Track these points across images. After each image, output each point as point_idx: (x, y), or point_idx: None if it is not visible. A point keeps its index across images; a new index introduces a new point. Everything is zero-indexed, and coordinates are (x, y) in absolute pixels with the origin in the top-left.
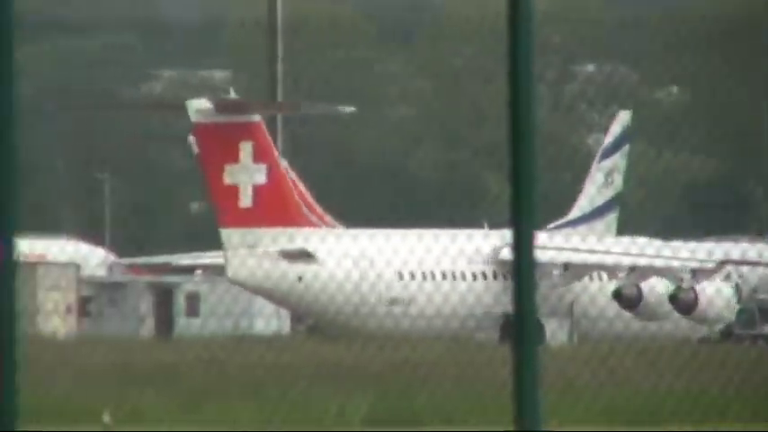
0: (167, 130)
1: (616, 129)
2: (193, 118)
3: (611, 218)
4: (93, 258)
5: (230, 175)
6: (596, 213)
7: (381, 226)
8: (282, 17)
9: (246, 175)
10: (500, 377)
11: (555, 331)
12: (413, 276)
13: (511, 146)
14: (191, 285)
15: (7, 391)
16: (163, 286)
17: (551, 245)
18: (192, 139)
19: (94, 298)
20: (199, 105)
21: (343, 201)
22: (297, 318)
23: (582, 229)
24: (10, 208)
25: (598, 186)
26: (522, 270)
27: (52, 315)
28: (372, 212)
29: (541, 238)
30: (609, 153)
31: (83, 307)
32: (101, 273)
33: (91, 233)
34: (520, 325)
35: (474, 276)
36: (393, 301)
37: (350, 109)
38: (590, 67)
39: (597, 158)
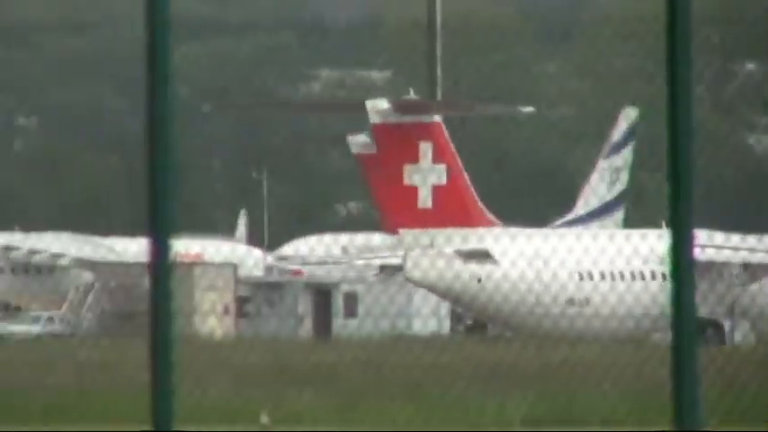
0: (324, 131)
1: (622, 125)
2: (372, 118)
3: (619, 214)
4: (250, 258)
5: (410, 176)
6: (605, 210)
7: (540, 225)
8: (441, 17)
9: (426, 176)
10: (660, 377)
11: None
12: (590, 276)
13: (670, 146)
14: (347, 286)
15: (163, 392)
16: (321, 287)
17: (728, 244)
18: (350, 139)
19: (252, 298)
20: (378, 105)
21: (501, 200)
22: (456, 318)
23: (593, 225)
24: (166, 208)
25: (606, 183)
26: (680, 270)
27: (209, 315)
28: (531, 212)
29: (719, 238)
30: (616, 149)
31: (240, 307)
32: (257, 273)
33: (248, 233)
34: (678, 325)
35: (653, 276)
36: (570, 302)
37: (528, 109)
38: (750, 66)
39: (604, 154)
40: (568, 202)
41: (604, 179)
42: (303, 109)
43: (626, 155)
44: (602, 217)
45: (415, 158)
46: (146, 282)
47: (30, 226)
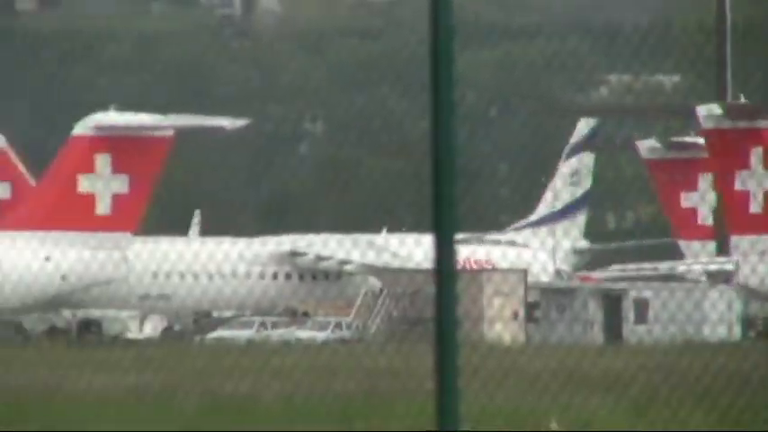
0: (611, 136)
1: (582, 127)
2: (704, 123)
3: (581, 217)
4: (536, 264)
5: (743, 182)
6: (566, 212)
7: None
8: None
9: (760, 181)
10: None
11: None
12: None
13: None
14: (636, 292)
15: (450, 396)
16: (611, 293)
17: None
18: (639, 144)
19: (539, 303)
20: (710, 110)
21: None
22: (748, 324)
23: (558, 227)
24: (450, 214)
25: (567, 185)
26: None
27: (496, 321)
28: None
29: None
30: (574, 152)
31: (529, 313)
32: (543, 278)
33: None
34: None
35: None
36: None
37: None
38: None
39: (563, 158)
40: None
41: (566, 181)
42: (624, 113)
43: (584, 158)
44: (564, 219)
45: (746, 164)
46: (432, 288)
47: (315, 230)
